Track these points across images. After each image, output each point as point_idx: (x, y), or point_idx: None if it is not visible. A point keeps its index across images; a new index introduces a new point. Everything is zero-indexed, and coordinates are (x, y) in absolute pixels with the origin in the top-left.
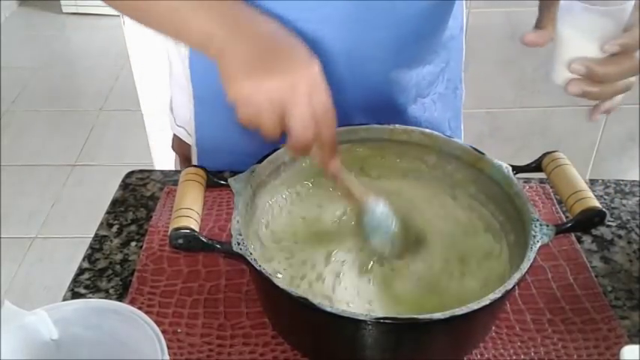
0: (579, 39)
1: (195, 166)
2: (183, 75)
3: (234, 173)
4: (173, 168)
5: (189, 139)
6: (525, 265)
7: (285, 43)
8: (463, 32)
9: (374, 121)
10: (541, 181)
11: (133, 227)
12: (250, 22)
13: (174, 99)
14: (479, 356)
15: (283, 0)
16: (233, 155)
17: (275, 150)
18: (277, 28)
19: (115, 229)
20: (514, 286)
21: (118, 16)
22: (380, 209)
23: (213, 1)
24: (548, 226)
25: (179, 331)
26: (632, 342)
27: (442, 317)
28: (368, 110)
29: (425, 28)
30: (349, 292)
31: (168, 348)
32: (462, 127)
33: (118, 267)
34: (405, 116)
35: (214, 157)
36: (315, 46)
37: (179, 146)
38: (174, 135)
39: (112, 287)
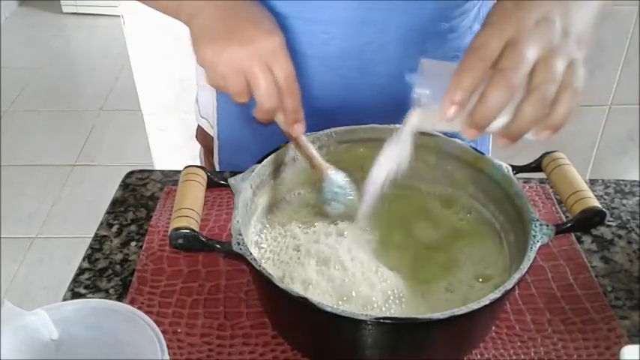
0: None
1: (195, 166)
2: None
3: (234, 173)
4: (198, 158)
5: (212, 131)
6: (525, 265)
7: (251, 13)
8: None
9: (385, 123)
10: (541, 181)
11: (133, 227)
12: None
13: (200, 89)
14: (479, 356)
15: (293, 0)
16: (253, 149)
17: (275, 150)
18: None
19: (115, 229)
20: (514, 286)
21: (118, 16)
22: (338, 179)
23: None
24: (548, 226)
25: (179, 331)
26: (632, 342)
27: (442, 317)
28: (379, 111)
29: (436, 30)
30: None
31: (168, 348)
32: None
33: (118, 267)
34: None
35: (234, 150)
36: (325, 47)
37: (203, 137)
38: (198, 126)
39: (112, 287)
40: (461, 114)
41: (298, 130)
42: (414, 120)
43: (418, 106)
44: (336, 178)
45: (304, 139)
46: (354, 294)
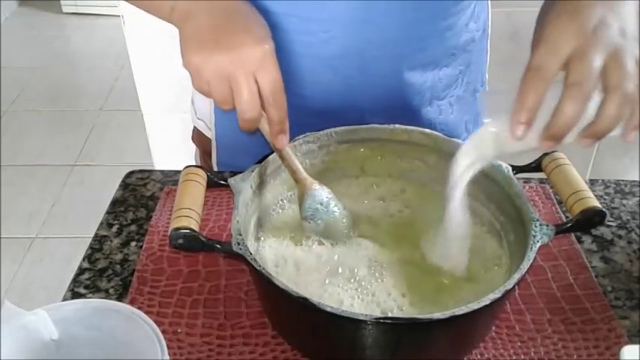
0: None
1: (195, 166)
2: None
3: (234, 173)
4: (194, 160)
5: (209, 133)
6: (525, 265)
7: (242, 19)
8: (487, 35)
9: (386, 123)
10: (541, 181)
11: (133, 227)
12: None
13: (195, 91)
14: (479, 356)
15: (293, 0)
16: (251, 151)
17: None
18: (242, 5)
19: (115, 229)
20: (514, 286)
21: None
22: (321, 195)
23: None
24: (548, 226)
25: (179, 331)
26: (632, 342)
27: (442, 317)
28: (380, 111)
29: (435, 28)
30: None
31: (169, 348)
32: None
33: (118, 267)
34: (419, 118)
35: (232, 151)
36: (325, 46)
37: (199, 139)
38: (195, 127)
39: (112, 287)
40: (531, 131)
41: (282, 141)
42: (489, 144)
43: (489, 131)
44: (319, 193)
45: (289, 152)
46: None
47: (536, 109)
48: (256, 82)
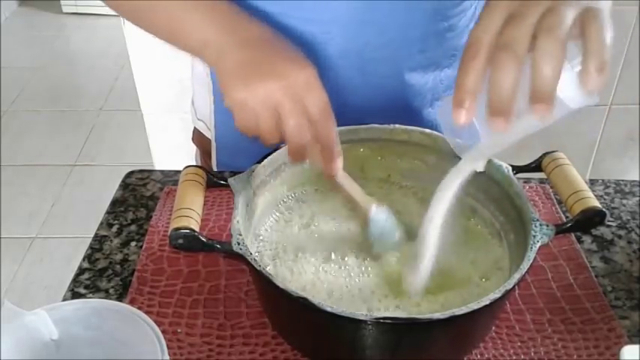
0: None
1: (195, 166)
2: (204, 71)
3: (234, 173)
4: (194, 160)
5: (209, 133)
6: (525, 265)
7: (280, 47)
8: None
9: (385, 123)
10: (541, 181)
11: (133, 227)
12: (244, 27)
13: (195, 93)
14: (479, 356)
15: (292, 0)
16: (251, 151)
17: (275, 150)
18: (271, 32)
19: (115, 229)
20: (514, 286)
21: (118, 16)
22: (383, 217)
23: (207, 6)
24: (548, 226)
25: (179, 331)
26: (632, 342)
27: (442, 317)
28: (381, 112)
29: (436, 29)
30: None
31: (168, 348)
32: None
33: (118, 267)
34: (420, 119)
35: (232, 152)
36: (325, 47)
37: (199, 140)
38: (195, 128)
39: (112, 287)
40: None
41: (336, 167)
42: (469, 164)
43: (460, 150)
44: (380, 217)
45: (343, 177)
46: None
47: (474, 89)
48: (304, 106)
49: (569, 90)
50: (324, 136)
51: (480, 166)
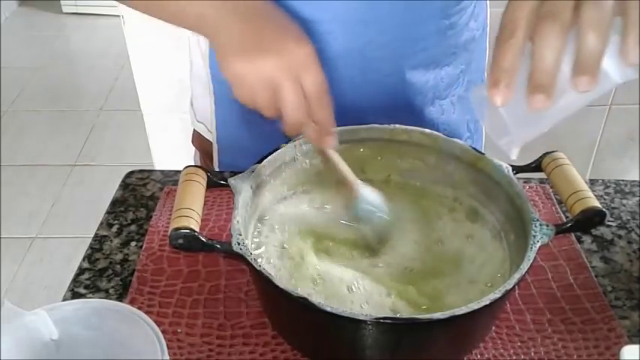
0: None
1: (195, 166)
2: (204, 71)
3: (234, 173)
4: (193, 161)
5: (209, 135)
6: (525, 265)
7: (278, 23)
8: (486, 34)
9: (388, 123)
10: (541, 181)
11: (133, 227)
12: (243, 1)
13: (195, 94)
14: (479, 356)
15: (292, 0)
16: (252, 152)
17: (275, 150)
18: (270, 7)
19: (115, 229)
20: (514, 286)
21: (118, 16)
22: (372, 196)
23: None
24: (548, 226)
25: (179, 331)
26: (632, 342)
27: (442, 317)
28: (382, 111)
29: (437, 28)
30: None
31: (169, 348)
32: (484, 129)
33: (118, 267)
34: (422, 118)
35: (234, 153)
36: (326, 46)
37: (199, 142)
38: (195, 130)
39: (112, 287)
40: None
41: (329, 142)
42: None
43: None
44: (371, 195)
45: (335, 153)
46: (353, 290)
47: (512, 67)
48: (301, 84)
49: (610, 64)
50: (319, 115)
51: (514, 154)
